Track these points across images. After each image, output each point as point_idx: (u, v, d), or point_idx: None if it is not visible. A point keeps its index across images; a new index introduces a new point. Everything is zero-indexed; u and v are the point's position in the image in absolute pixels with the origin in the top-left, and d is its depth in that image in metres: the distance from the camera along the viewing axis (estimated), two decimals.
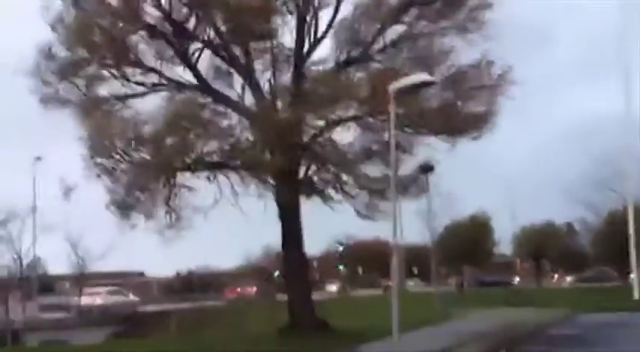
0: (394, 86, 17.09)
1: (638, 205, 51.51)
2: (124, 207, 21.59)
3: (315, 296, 27.76)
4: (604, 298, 39.18)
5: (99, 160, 20.94)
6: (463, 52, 21.81)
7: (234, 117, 21.95)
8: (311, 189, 23.14)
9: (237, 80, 22.62)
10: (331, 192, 23.20)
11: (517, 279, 76.39)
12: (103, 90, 22.01)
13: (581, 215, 67.05)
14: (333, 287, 67.22)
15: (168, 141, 20.73)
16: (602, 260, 70.69)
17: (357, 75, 22.00)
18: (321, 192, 23.03)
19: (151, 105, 21.99)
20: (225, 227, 25.59)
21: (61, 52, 21.42)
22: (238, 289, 62.35)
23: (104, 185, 21.49)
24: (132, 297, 49.50)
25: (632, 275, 42.94)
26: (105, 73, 21.65)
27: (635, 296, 40.25)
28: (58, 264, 49.48)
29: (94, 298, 44.41)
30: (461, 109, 21.71)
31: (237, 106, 22.06)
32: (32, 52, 21.32)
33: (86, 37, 20.52)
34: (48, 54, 21.33)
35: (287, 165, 20.99)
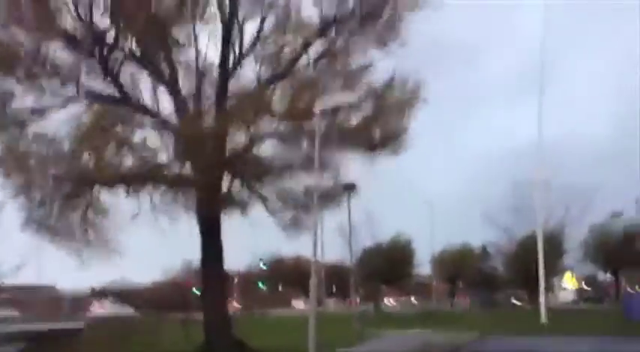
0: (319, 106, 17.37)
1: (548, 231, 53.77)
2: (39, 225, 20.81)
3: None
4: (513, 321, 40.50)
5: (12, 177, 20.13)
6: (382, 65, 22.27)
7: (155, 131, 21.60)
8: (233, 203, 22.97)
9: (162, 92, 22.31)
10: (253, 207, 23.14)
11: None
12: (18, 103, 21.05)
13: (495, 238, 69.25)
14: (300, 303, 66.62)
15: (84, 155, 20.16)
16: (514, 283, 73.15)
17: (280, 90, 22.08)
18: (243, 207, 22.91)
19: (64, 117, 21.34)
20: (145, 241, 25.02)
21: None
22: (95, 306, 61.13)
23: (19, 203, 20.70)
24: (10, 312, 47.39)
25: (541, 300, 44.37)
26: (19, 86, 20.73)
27: (543, 320, 41.39)
28: None
29: None
30: (379, 125, 22.10)
31: (159, 119, 21.70)
32: None
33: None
34: None
35: (209, 180, 20.81)
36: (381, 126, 22.13)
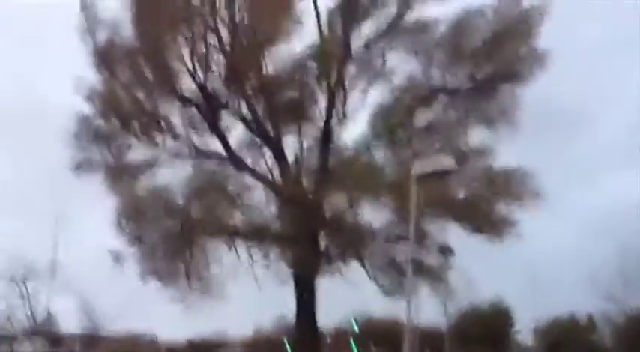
0: (416, 168, 17.30)
1: None
2: (147, 273, 21.82)
3: None
4: None
5: (128, 227, 21.34)
6: (493, 149, 22.04)
7: (259, 190, 22.36)
8: (329, 264, 23.16)
9: (266, 153, 23.11)
10: (348, 269, 23.21)
11: None
12: (133, 156, 22.62)
13: (602, 307, 65.30)
14: None
15: (193, 209, 21.08)
16: None
17: (384, 157, 22.32)
18: (338, 268, 23.01)
19: (178, 174, 22.54)
20: (243, 295, 25.59)
21: (96, 120, 22.19)
22: None
23: (129, 250, 21.81)
24: None
25: None
26: (135, 140, 22.25)
27: None
28: (71, 322, 49.35)
29: None
30: (487, 207, 21.77)
31: (263, 179, 22.42)
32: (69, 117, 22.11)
33: (118, 107, 21.28)
34: (84, 121, 22.04)
35: (307, 238, 21.18)
36: (487, 211, 21.76)
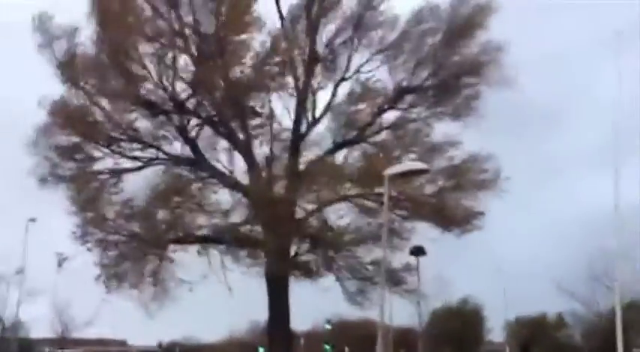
0: (389, 171, 17.26)
1: (634, 301, 51.04)
2: (112, 279, 21.49)
3: None
4: None
5: (90, 232, 21.00)
6: (460, 141, 22.17)
7: (227, 193, 22.18)
8: (301, 267, 23.10)
9: (235, 156, 22.92)
10: (320, 272, 23.16)
11: None
12: (100, 166, 22.28)
13: (572, 307, 66.24)
14: None
15: (159, 214, 20.84)
16: None
17: (352, 156, 22.34)
18: (310, 271, 22.96)
19: (142, 179, 22.28)
20: (213, 299, 25.35)
21: (59, 133, 21.74)
22: None
23: (94, 256, 21.51)
24: None
25: None
26: (102, 150, 21.96)
27: None
28: (41, 328, 48.59)
29: None
30: (454, 201, 21.88)
31: (232, 182, 22.26)
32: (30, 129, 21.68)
33: (83, 118, 20.99)
34: (46, 132, 21.64)
35: (279, 242, 21.07)
36: (455, 205, 21.88)
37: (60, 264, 22.07)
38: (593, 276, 55.70)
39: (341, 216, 22.37)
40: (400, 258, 23.45)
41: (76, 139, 21.57)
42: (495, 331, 74.63)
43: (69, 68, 21.22)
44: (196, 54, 20.39)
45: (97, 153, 21.98)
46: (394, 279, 22.70)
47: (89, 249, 21.17)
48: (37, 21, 21.42)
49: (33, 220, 45.29)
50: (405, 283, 23.67)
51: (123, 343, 70.32)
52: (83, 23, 21.11)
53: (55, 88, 21.70)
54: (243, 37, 20.17)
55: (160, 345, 76.06)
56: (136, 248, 21.32)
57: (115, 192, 21.94)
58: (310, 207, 21.65)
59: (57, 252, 22.03)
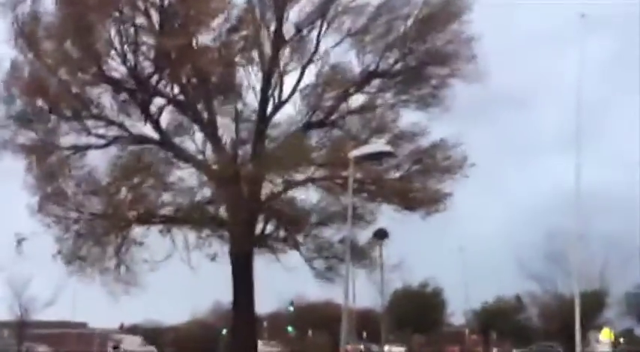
0: (354, 153, 17.39)
1: (587, 284, 52.24)
2: (72, 258, 21.21)
3: None
4: None
5: (49, 208, 20.64)
6: (425, 127, 22.40)
7: (192, 172, 22.03)
8: (266, 246, 23.16)
9: (199, 136, 22.75)
10: (286, 251, 23.26)
11: None
12: (63, 141, 21.66)
13: (529, 288, 67.61)
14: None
15: (122, 192, 20.60)
16: (549, 335, 71.16)
17: (318, 138, 22.38)
18: (275, 250, 23.04)
19: (105, 155, 21.89)
20: (176, 280, 25.25)
21: (18, 99, 21.07)
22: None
23: (53, 234, 21.14)
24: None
25: None
26: (65, 124, 21.38)
27: None
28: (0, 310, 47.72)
29: None
30: (419, 185, 22.11)
31: (197, 161, 22.11)
32: None
33: (44, 89, 20.29)
34: (6, 99, 21.00)
35: (243, 221, 21.06)
36: (420, 187, 22.10)
37: (19, 244, 21.50)
38: (551, 258, 57.01)
39: (307, 196, 22.47)
40: (366, 234, 23.73)
41: (36, 110, 20.93)
42: (456, 314, 76.03)
43: (29, 32, 20.40)
44: (159, 29, 19.99)
45: (59, 127, 21.40)
46: (360, 255, 22.92)
47: (48, 226, 20.77)
48: None
49: None
50: (371, 257, 24.00)
51: (84, 325, 69.75)
52: None
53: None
54: (209, 14, 19.79)
55: (121, 327, 75.62)
56: (97, 226, 21.04)
57: (75, 167, 21.46)
58: (276, 188, 21.69)
59: (15, 232, 21.37)
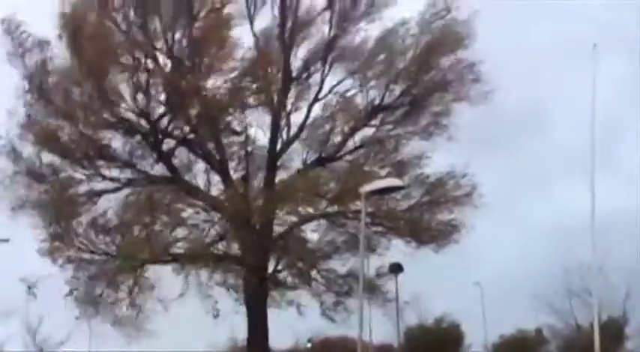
0: (365, 188, 17.55)
1: (610, 317, 51.43)
2: (86, 300, 21.37)
3: None
4: None
5: (59, 249, 20.85)
6: (432, 156, 22.60)
7: (204, 211, 22.25)
8: (278, 285, 23.24)
9: (211, 175, 23.00)
10: (298, 288, 23.31)
11: None
12: (77, 190, 21.97)
13: (550, 321, 66.57)
14: None
15: (134, 232, 20.83)
16: None
17: (327, 174, 22.62)
18: (287, 288, 23.09)
19: (116, 196, 22.15)
20: (190, 318, 25.28)
21: (31, 150, 21.41)
22: None
23: (65, 276, 21.36)
24: None
25: None
26: (78, 171, 21.71)
27: None
28: (14, 349, 47.80)
29: None
30: (429, 217, 22.22)
31: (209, 200, 22.39)
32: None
33: (57, 137, 20.67)
34: (15, 155, 21.33)
35: (256, 259, 21.23)
36: (430, 221, 22.23)
37: (30, 290, 21.69)
38: (570, 290, 56.25)
39: (314, 230, 22.60)
40: (377, 267, 23.71)
41: (50, 159, 21.31)
42: (475, 347, 74.85)
43: (40, 81, 20.86)
44: (170, 74, 20.52)
45: (73, 175, 21.74)
46: (370, 288, 22.90)
47: (61, 266, 20.99)
48: (6, 25, 20.79)
49: (6, 241, 44.57)
50: (381, 291, 23.93)
51: None
52: (51, 37, 20.77)
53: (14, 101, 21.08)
54: (217, 56, 20.36)
55: None
56: (109, 267, 21.25)
57: (87, 210, 21.74)
58: (287, 224, 21.87)
59: (23, 278, 21.55)
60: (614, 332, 55.18)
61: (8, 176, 21.32)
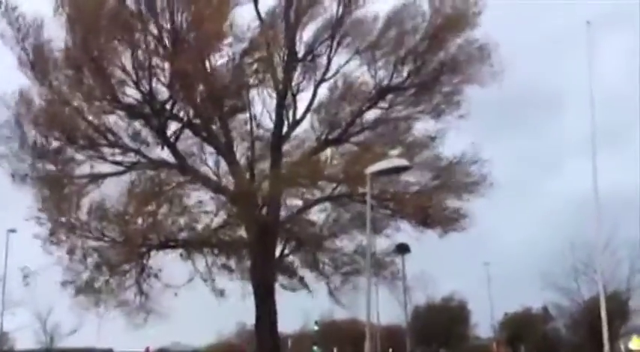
0: (370, 169, 17.30)
1: (615, 292, 51.37)
2: (86, 290, 21.14)
3: None
4: None
5: (61, 238, 20.60)
6: (443, 137, 22.21)
7: (210, 195, 22.01)
8: (287, 269, 23.09)
9: (217, 158, 22.70)
10: (306, 272, 23.18)
11: None
12: (80, 170, 21.59)
13: (556, 300, 66.65)
14: None
15: (139, 218, 20.58)
16: (578, 345, 70.01)
17: (334, 155, 22.32)
18: (295, 271, 22.95)
19: (119, 182, 21.76)
20: (199, 303, 25.20)
21: (32, 131, 20.88)
22: None
23: (64, 265, 21.01)
24: None
25: None
26: (81, 153, 21.31)
27: None
28: (25, 339, 48.06)
29: None
30: (437, 202, 21.91)
31: (214, 184, 22.11)
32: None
33: (59, 119, 20.22)
34: (18, 132, 20.86)
35: (263, 243, 21.02)
36: (440, 205, 21.91)
37: (25, 278, 21.52)
38: (575, 267, 56.20)
39: (321, 210, 22.37)
40: (384, 245, 23.56)
41: (52, 140, 20.89)
42: (482, 326, 75.11)
43: (38, 63, 20.36)
44: (173, 55, 20.09)
45: (76, 156, 21.33)
46: (378, 267, 22.72)
47: (68, 254, 20.73)
48: (3, 9, 20.26)
49: (13, 231, 44.72)
50: (389, 268, 23.79)
51: (110, 351, 69.77)
52: (48, 17, 20.15)
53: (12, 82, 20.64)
54: (222, 36, 19.90)
55: (147, 350, 75.42)
56: (114, 255, 21.02)
57: (89, 195, 21.35)
58: (294, 207, 21.65)
59: (21, 266, 21.39)
60: (616, 307, 55.22)
61: (13, 151, 20.93)
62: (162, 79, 20.61)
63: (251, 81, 21.47)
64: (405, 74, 22.03)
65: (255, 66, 21.19)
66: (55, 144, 20.87)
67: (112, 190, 21.32)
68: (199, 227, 21.59)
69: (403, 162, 18.07)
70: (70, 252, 20.76)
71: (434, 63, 21.81)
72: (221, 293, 21.97)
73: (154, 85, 20.60)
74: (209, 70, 20.64)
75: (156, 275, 21.60)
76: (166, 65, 20.31)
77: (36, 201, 20.84)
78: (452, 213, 21.89)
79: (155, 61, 20.35)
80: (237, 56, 21.07)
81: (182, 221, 21.30)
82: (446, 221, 21.84)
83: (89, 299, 21.28)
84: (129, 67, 20.19)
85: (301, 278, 23.01)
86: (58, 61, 20.27)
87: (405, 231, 23.03)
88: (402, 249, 27.18)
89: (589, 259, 49.81)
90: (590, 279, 52.86)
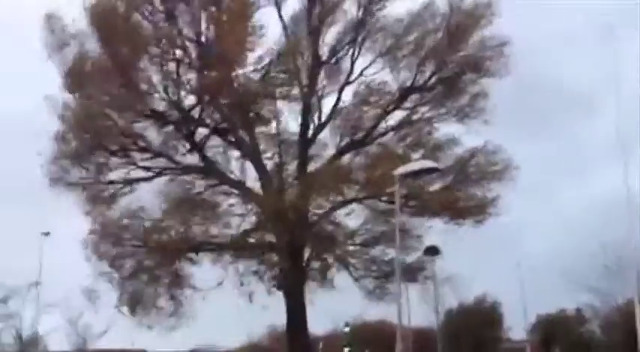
0: (399, 170, 17.36)
1: None
2: (134, 303, 21.66)
3: None
4: None
5: (101, 243, 21.13)
6: (465, 138, 22.29)
7: (239, 200, 22.28)
8: (316, 271, 23.20)
9: (244, 163, 23.02)
10: (335, 274, 23.25)
11: None
12: (112, 175, 22.26)
13: (588, 301, 65.61)
14: None
15: (172, 225, 20.96)
16: (613, 347, 68.81)
17: (359, 158, 22.40)
18: (324, 275, 23.03)
19: (153, 188, 22.38)
20: (229, 305, 25.51)
21: (71, 139, 21.58)
22: None
23: (111, 282, 21.66)
24: None
25: None
26: (113, 160, 21.98)
27: None
28: (59, 340, 48.84)
29: None
30: (463, 194, 21.89)
31: (243, 188, 22.40)
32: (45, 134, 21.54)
33: (93, 126, 20.82)
34: (60, 139, 21.56)
35: (292, 247, 21.19)
36: (466, 195, 21.91)
37: (90, 298, 22.22)
38: (608, 268, 55.26)
39: (351, 217, 22.49)
40: (416, 251, 23.52)
41: (87, 147, 21.50)
42: (515, 329, 74.21)
43: (77, 75, 21.02)
44: (199, 64, 20.46)
45: (109, 162, 21.97)
46: (410, 272, 22.73)
47: (106, 259, 21.23)
48: (47, 22, 20.94)
49: (47, 234, 45.53)
50: (422, 273, 23.70)
51: None
52: (85, 29, 20.85)
53: (55, 93, 21.38)
54: (246, 43, 20.22)
55: None
56: (149, 260, 21.45)
57: (123, 199, 21.99)
58: (321, 211, 21.75)
59: (84, 288, 22.10)
60: None
61: (53, 154, 21.53)
62: (190, 86, 21.02)
63: (277, 93, 21.74)
64: (427, 74, 22.16)
65: (281, 75, 21.50)
66: (89, 149, 21.42)
67: (144, 198, 21.83)
68: (230, 231, 21.89)
69: (432, 163, 18.11)
70: (109, 259, 21.26)
71: (455, 61, 21.89)
72: (250, 297, 22.20)
73: (181, 93, 21.10)
74: (235, 80, 20.92)
75: (189, 284, 21.93)
76: (192, 75, 20.70)
77: (77, 205, 21.46)
78: (480, 201, 21.81)
79: (182, 70, 20.80)
80: (264, 65, 21.43)
81: (213, 225, 21.63)
82: (475, 210, 21.71)
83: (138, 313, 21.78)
84: (156, 79, 20.68)
85: (330, 281, 23.06)
86: (91, 71, 20.80)
87: (435, 232, 22.97)
88: (432, 251, 27.03)
89: (621, 259, 49.01)
90: (624, 280, 52.00)
